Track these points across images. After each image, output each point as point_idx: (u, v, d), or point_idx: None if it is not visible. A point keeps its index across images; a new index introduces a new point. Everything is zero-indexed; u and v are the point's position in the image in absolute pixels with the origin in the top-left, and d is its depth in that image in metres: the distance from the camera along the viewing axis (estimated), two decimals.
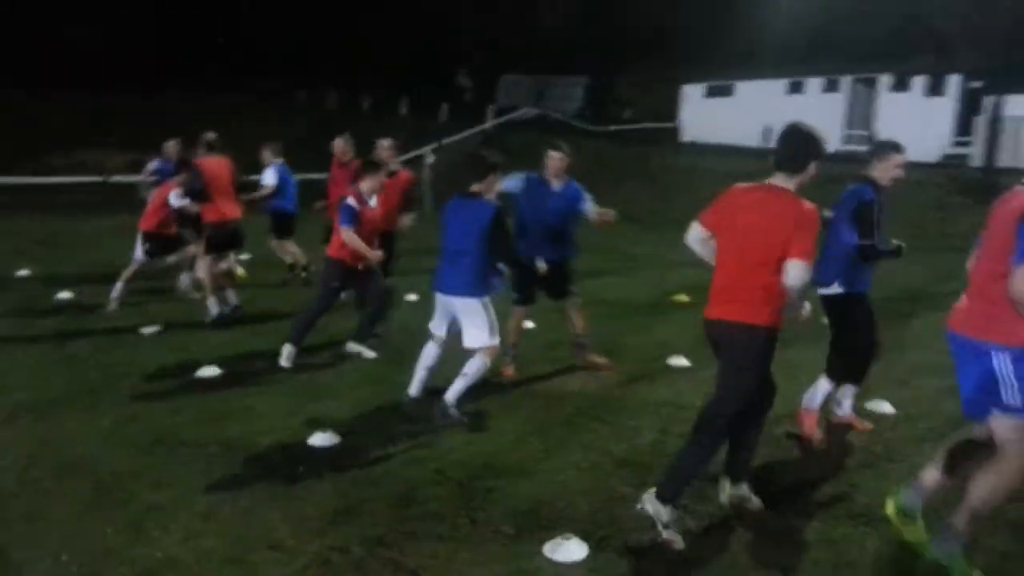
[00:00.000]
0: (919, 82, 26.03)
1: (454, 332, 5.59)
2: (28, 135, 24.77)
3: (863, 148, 26.48)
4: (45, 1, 37.12)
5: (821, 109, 27.78)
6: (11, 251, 12.33)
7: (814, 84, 28.65)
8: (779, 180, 3.94)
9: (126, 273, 8.86)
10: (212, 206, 8.27)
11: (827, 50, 30.40)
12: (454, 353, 5.66)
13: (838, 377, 5.42)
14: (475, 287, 5.35)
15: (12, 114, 26.08)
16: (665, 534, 3.87)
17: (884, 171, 5.21)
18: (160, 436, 5.21)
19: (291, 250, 10.61)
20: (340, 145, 9.70)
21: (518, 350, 6.74)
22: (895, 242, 5.21)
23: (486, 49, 43.12)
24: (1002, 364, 3.38)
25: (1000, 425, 3.45)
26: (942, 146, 24.74)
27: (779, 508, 4.32)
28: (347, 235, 6.73)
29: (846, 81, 27.81)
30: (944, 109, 25.21)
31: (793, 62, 30.19)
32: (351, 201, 6.81)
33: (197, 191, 8.24)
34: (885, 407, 6.00)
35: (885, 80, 26.82)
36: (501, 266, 5.49)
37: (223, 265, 8.56)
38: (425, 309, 5.98)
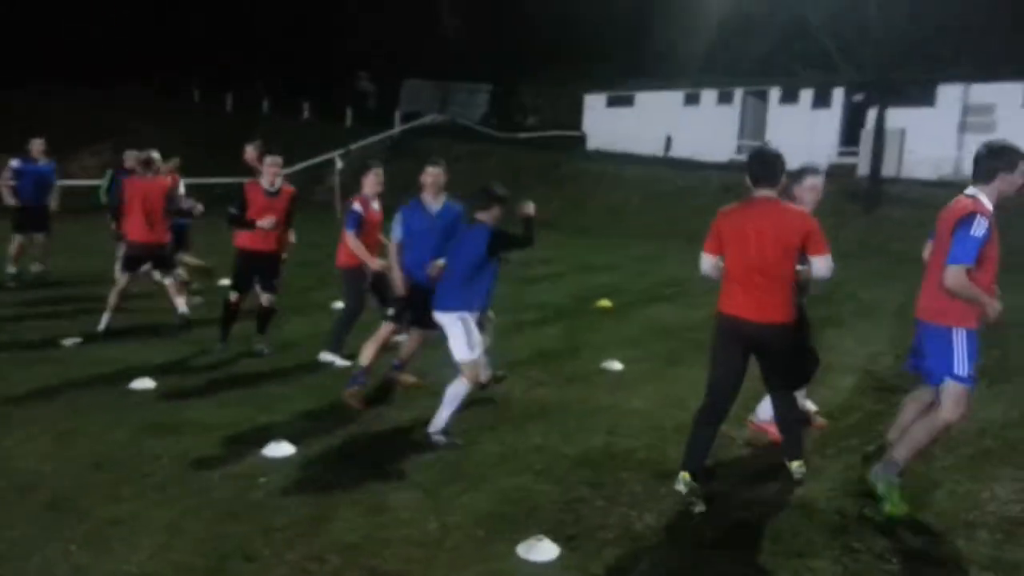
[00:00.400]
0: (806, 95, 27.49)
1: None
2: None
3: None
4: None
5: (716, 120, 29.06)
6: None
7: (709, 96, 29.82)
8: (766, 192, 4.48)
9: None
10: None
11: (720, 64, 31.70)
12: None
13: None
14: (455, 301, 5.38)
15: None
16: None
17: (800, 194, 5.12)
18: (106, 450, 5.08)
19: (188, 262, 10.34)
20: (251, 152, 9.55)
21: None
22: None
23: (386, 53, 42.80)
24: (958, 341, 4.33)
25: (948, 389, 4.39)
26: (829, 155, 26.18)
27: (735, 501, 4.60)
28: (351, 240, 6.81)
29: (739, 94, 29.07)
30: (830, 121, 26.72)
31: (689, 75, 31.34)
32: (356, 206, 6.90)
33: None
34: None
35: (775, 93, 28.19)
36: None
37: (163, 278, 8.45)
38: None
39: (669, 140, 27.48)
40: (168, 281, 8.39)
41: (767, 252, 4.40)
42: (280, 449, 5.13)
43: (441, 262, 5.72)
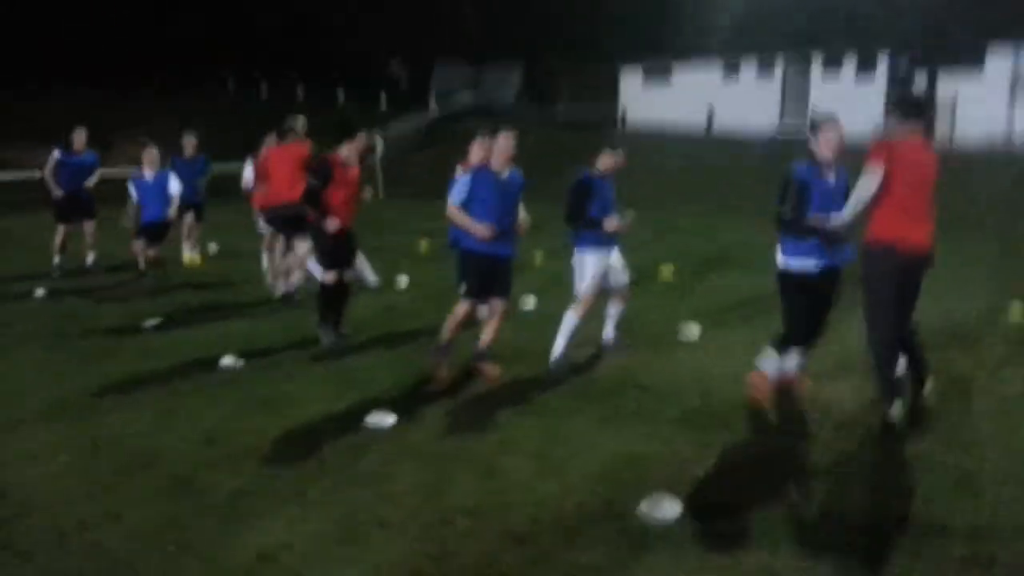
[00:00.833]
0: (849, 66, 26.99)
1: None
2: None
3: (798, 134, 27.61)
4: None
5: (757, 94, 28.68)
6: None
7: (748, 71, 29.40)
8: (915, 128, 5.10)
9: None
10: None
11: (758, 36, 31.18)
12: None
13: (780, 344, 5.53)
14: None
15: None
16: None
17: (824, 145, 5.27)
18: (212, 427, 5.15)
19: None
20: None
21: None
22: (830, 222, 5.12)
23: (416, 36, 42.78)
24: None
25: None
26: (877, 124, 25.77)
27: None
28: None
29: (779, 66, 28.62)
30: (875, 91, 26.21)
31: (727, 47, 30.88)
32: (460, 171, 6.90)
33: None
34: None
35: (817, 65, 27.69)
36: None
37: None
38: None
39: (711, 115, 27.12)
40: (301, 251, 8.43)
41: (932, 183, 5.03)
42: (382, 419, 5.17)
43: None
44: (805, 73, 28.02)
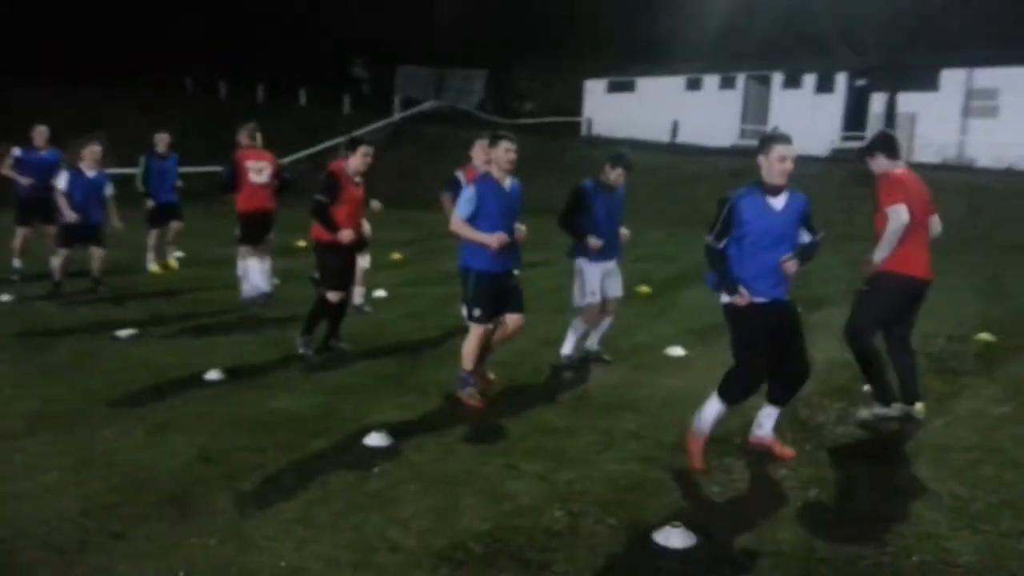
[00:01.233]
0: (809, 80, 27.58)
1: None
2: None
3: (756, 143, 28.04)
4: None
5: (719, 105, 29.13)
6: None
7: (711, 81, 29.86)
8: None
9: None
10: None
11: (722, 49, 31.69)
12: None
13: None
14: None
15: None
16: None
17: (768, 165, 4.68)
18: (206, 443, 5.04)
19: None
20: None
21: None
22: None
23: (380, 39, 42.49)
24: None
25: None
26: (833, 140, 26.35)
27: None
28: (446, 200, 7.30)
29: (741, 79, 29.13)
30: (833, 106, 26.82)
31: (690, 59, 31.32)
32: (459, 173, 7.27)
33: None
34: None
35: (778, 78, 28.25)
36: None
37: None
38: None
39: (676, 125, 27.46)
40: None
41: (929, 215, 5.59)
42: (381, 439, 5.11)
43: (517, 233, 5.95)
44: (766, 85, 28.53)
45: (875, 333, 5.77)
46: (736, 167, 23.64)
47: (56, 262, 9.24)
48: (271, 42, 40.80)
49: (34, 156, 10.42)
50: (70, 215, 9.06)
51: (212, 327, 8.11)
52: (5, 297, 8.95)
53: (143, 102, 32.39)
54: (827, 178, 21.36)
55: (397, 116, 30.78)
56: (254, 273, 8.63)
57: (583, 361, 7.08)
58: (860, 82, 26.52)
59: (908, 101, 23.38)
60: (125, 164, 13.27)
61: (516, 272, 6.09)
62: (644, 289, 10.60)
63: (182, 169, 11.62)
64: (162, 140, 11.10)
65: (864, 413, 5.81)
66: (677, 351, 7.51)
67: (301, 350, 6.99)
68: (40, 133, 10.53)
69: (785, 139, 4.75)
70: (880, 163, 5.70)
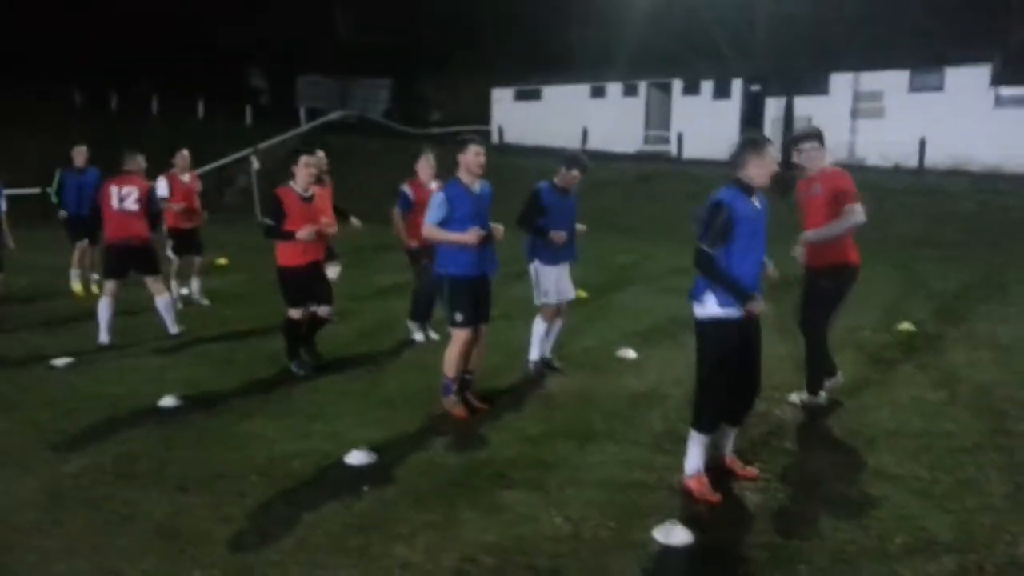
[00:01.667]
0: (707, 87, 28.56)
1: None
2: None
3: (662, 148, 29.06)
4: None
5: (623, 112, 29.82)
6: None
7: (615, 89, 30.52)
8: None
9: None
10: None
11: (622, 57, 32.41)
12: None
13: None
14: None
15: None
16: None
17: (758, 168, 4.53)
18: (180, 471, 4.88)
19: None
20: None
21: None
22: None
23: (276, 49, 41.54)
24: None
25: None
26: (730, 143, 27.35)
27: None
28: (396, 215, 7.78)
29: (643, 86, 29.90)
30: (730, 111, 27.84)
31: (593, 68, 31.93)
32: (405, 188, 7.64)
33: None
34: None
35: (678, 85, 29.14)
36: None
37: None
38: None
39: (585, 132, 27.95)
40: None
41: None
42: (361, 457, 5.06)
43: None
44: (667, 92, 29.38)
45: (830, 324, 6.12)
46: (644, 172, 24.34)
47: None
48: (161, 51, 39.22)
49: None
50: None
51: (152, 352, 7.80)
52: None
53: (23, 113, 30.74)
54: (730, 179, 22.15)
55: (305, 127, 30.20)
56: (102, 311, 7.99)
57: (539, 366, 7.16)
58: (755, 88, 27.64)
59: (801, 105, 24.52)
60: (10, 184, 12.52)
61: (491, 277, 6.10)
62: (580, 293, 10.75)
63: None
64: (80, 154, 10.64)
65: (794, 397, 6.21)
66: (629, 353, 7.69)
67: (299, 372, 7.01)
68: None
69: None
70: (822, 155, 6.02)
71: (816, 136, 6.15)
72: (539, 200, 6.75)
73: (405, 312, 8.45)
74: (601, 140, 28.17)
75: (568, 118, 29.50)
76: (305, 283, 6.89)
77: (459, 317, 5.87)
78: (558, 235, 6.70)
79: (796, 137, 6.45)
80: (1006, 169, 21.30)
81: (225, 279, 12.09)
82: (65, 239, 10.97)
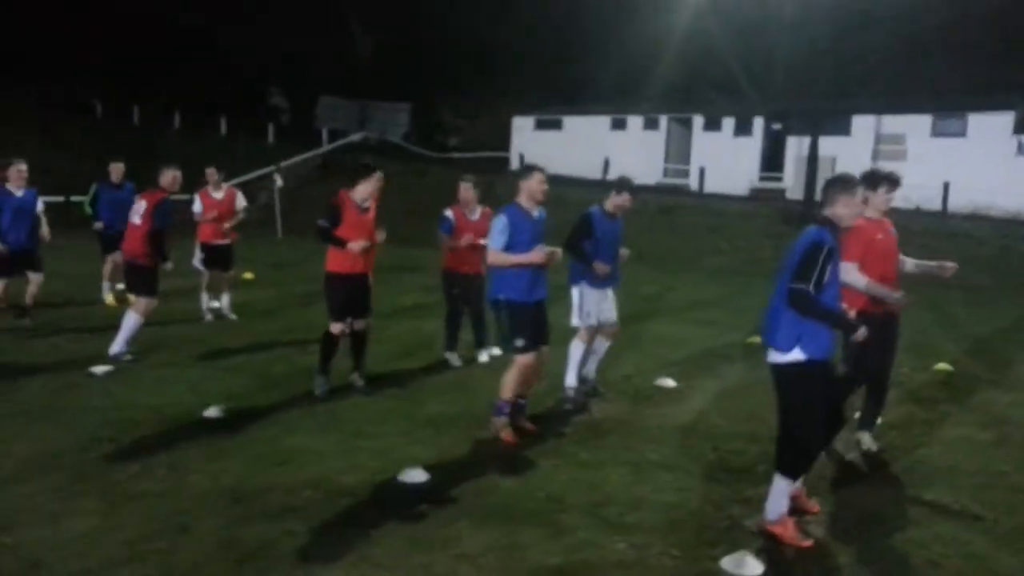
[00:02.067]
0: (728, 123, 28.69)
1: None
2: None
3: (681, 181, 29.16)
4: None
5: (644, 145, 29.96)
6: None
7: (635, 122, 30.69)
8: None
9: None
10: None
11: (642, 89, 32.62)
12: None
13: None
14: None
15: None
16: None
17: (847, 207, 4.42)
18: (233, 484, 4.84)
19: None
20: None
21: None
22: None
23: (298, 70, 41.91)
24: None
25: None
26: (751, 180, 27.44)
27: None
28: (442, 238, 7.90)
29: (664, 120, 30.06)
30: (751, 148, 27.94)
31: (612, 100, 32.14)
32: (448, 213, 7.75)
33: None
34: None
35: (698, 120, 29.29)
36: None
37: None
38: None
39: (607, 162, 28.09)
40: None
41: None
42: (415, 475, 5.01)
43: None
44: (688, 127, 29.52)
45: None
46: (665, 204, 24.34)
47: None
48: (185, 68, 39.63)
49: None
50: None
51: (189, 362, 7.79)
52: None
53: (43, 123, 30.97)
54: (752, 215, 22.23)
55: (326, 147, 30.38)
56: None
57: (580, 392, 7.09)
58: (776, 126, 27.77)
59: (824, 145, 24.61)
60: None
61: (544, 301, 6.06)
62: None
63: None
64: (116, 170, 10.67)
65: (867, 441, 5.98)
66: (668, 383, 7.62)
67: (316, 391, 6.76)
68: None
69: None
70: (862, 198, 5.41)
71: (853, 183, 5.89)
72: (590, 225, 6.72)
73: (437, 332, 8.43)
74: (622, 171, 27.96)
75: (589, 148, 29.65)
76: (351, 292, 6.76)
77: (520, 343, 5.81)
78: (601, 267, 6.67)
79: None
80: None
81: (252, 293, 12.07)
82: (95, 250, 11.01)
